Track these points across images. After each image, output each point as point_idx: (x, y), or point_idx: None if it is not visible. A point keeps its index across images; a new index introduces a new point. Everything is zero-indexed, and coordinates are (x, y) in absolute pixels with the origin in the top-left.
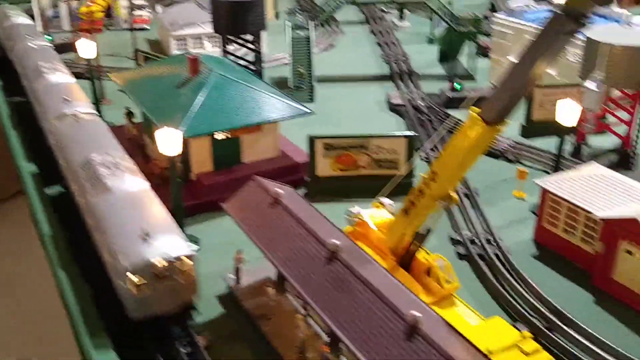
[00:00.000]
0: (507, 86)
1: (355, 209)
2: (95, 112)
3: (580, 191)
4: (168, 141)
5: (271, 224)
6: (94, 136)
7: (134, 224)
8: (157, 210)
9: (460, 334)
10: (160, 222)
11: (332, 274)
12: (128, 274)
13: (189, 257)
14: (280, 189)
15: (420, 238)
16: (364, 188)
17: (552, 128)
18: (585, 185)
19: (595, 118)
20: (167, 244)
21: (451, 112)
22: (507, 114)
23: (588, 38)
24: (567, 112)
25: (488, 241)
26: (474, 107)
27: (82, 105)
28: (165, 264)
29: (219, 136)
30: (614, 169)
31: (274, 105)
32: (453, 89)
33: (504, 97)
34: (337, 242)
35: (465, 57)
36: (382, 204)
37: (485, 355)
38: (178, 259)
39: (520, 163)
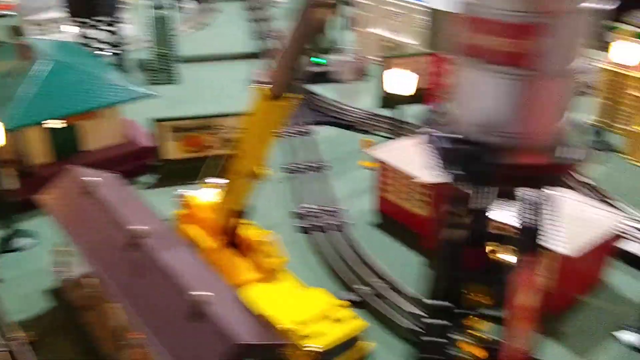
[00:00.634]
0: (282, 60)
1: (181, 191)
2: None
3: (411, 157)
4: None
5: (82, 214)
6: None
7: None
8: None
9: (252, 312)
10: None
11: (134, 261)
12: None
13: None
14: (96, 177)
15: (239, 215)
16: (214, 168)
17: (408, 97)
18: (417, 151)
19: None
20: None
21: (316, 87)
22: (286, 87)
23: (429, 7)
24: (399, 81)
25: (329, 213)
26: (260, 83)
27: None
28: None
29: (52, 125)
30: None
31: (110, 90)
32: (313, 64)
33: (282, 71)
34: (142, 228)
35: (334, 30)
36: (213, 184)
37: (280, 331)
38: None
39: (374, 134)
